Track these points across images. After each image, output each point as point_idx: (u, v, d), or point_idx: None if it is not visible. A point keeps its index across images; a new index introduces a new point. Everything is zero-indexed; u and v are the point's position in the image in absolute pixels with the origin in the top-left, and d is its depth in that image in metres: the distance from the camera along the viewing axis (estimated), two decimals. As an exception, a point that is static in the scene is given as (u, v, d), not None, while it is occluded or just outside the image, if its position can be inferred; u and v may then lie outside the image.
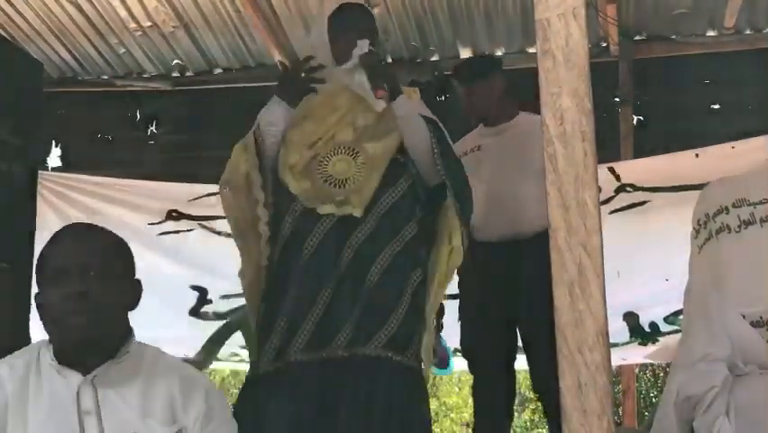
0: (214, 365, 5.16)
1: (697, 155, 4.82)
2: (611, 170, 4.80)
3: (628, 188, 4.88)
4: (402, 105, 2.80)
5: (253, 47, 5.46)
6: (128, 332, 2.02)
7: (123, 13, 5.16)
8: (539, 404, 5.75)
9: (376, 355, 2.58)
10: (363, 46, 2.81)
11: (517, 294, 3.41)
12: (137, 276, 2.05)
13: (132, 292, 2.04)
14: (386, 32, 5.26)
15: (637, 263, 4.52)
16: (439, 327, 3.74)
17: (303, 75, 2.85)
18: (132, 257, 2.06)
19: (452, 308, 3.74)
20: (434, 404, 9.12)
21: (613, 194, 4.83)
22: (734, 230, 3.60)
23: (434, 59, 5.49)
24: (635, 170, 4.87)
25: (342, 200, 2.73)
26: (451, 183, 2.74)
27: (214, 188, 5.34)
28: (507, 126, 3.68)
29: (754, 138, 4.85)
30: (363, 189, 2.74)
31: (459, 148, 3.76)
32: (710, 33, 5.16)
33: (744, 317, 3.35)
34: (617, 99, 5.28)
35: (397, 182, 2.77)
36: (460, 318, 3.69)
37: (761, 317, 3.32)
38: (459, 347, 3.85)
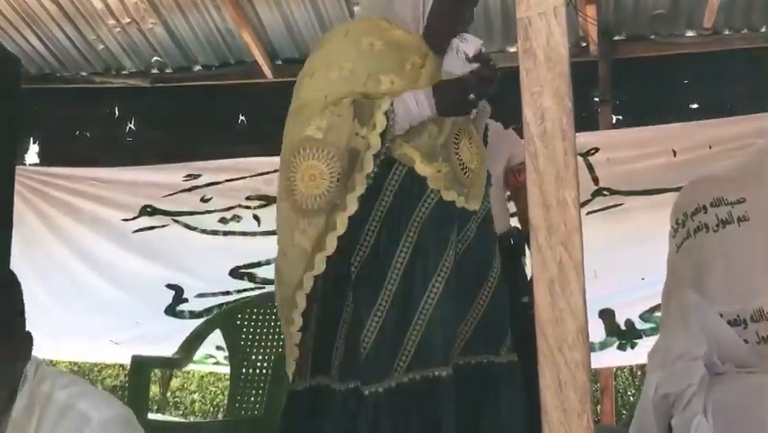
0: (190, 367, 5.14)
1: (675, 153, 4.85)
2: (590, 168, 4.83)
3: (605, 192, 4.93)
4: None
5: (233, 44, 5.45)
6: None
7: (100, 7, 5.13)
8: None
9: (508, 362, 2.51)
10: (473, 43, 2.50)
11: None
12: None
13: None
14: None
15: (614, 263, 4.57)
16: None
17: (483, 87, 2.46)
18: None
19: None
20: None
21: (590, 197, 4.87)
22: (712, 229, 3.62)
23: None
24: (612, 174, 4.90)
25: (467, 192, 2.54)
26: None
27: (189, 183, 5.42)
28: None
29: (732, 140, 4.90)
30: (481, 180, 2.59)
31: None
32: (689, 34, 5.20)
33: (722, 315, 3.38)
34: (597, 99, 5.30)
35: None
36: None
37: (738, 316, 3.35)
38: None
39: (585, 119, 5.10)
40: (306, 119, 2.38)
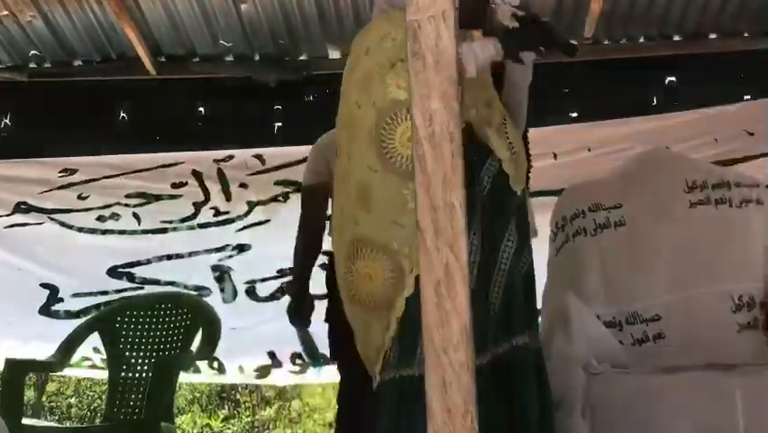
0: (66, 370, 4.98)
1: (555, 155, 4.96)
2: None
3: None
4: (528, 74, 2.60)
5: (115, 39, 5.30)
6: None
7: (-25, -2, 4.93)
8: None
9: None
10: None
11: None
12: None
13: None
14: (254, 30, 5.21)
15: None
16: (308, 323, 3.70)
17: None
18: None
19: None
20: (296, 405, 9.09)
21: None
22: (590, 233, 3.73)
23: (302, 58, 5.46)
24: None
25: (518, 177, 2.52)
26: None
27: (65, 180, 5.26)
28: None
29: (610, 143, 5.04)
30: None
31: (334, 140, 3.74)
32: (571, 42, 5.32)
33: (599, 317, 3.48)
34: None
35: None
36: (327, 319, 3.67)
37: (614, 318, 3.46)
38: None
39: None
40: (382, 84, 2.30)
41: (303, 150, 5.06)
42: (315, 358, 3.74)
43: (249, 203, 5.17)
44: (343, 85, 2.46)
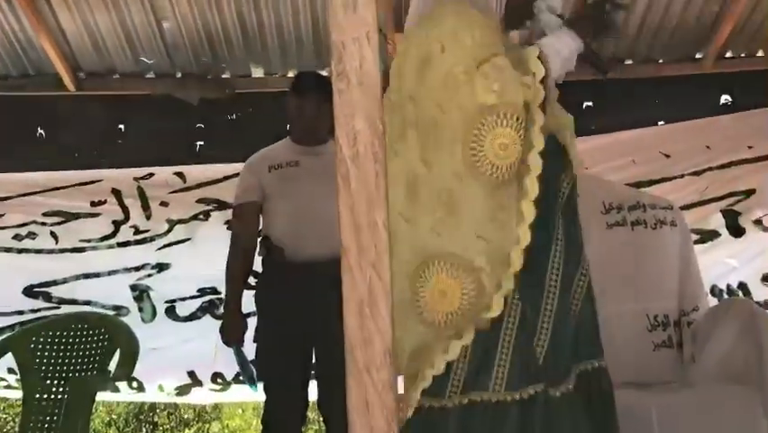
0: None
1: None
2: None
3: None
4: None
5: (33, 54, 5.20)
6: None
7: None
8: (321, 425, 5.77)
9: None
10: (554, 3, 2.31)
11: (318, 315, 3.41)
12: None
13: None
14: (176, 47, 5.16)
15: None
16: (242, 343, 3.68)
17: None
18: None
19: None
20: (216, 427, 8.96)
21: None
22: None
23: (225, 76, 5.43)
24: None
25: None
26: None
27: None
28: (324, 149, 3.67)
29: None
30: None
31: (268, 158, 3.73)
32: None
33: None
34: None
35: None
36: (257, 338, 3.64)
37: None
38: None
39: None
40: (470, 87, 2.09)
41: (224, 168, 5.04)
42: (252, 379, 3.71)
43: (169, 221, 5.10)
44: (409, 83, 2.19)
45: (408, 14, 2.35)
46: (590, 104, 5.39)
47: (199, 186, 5.13)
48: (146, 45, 5.14)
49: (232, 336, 3.64)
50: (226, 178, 4.97)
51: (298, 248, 3.54)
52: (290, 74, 5.42)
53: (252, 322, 3.68)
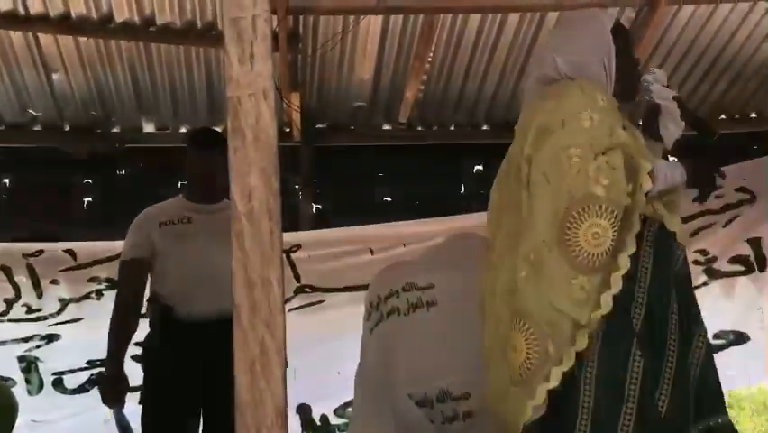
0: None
1: (372, 251, 5.04)
2: (292, 266, 4.91)
3: (307, 289, 5.01)
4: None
5: None
6: None
7: None
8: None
9: None
10: (662, 75, 2.58)
11: (207, 376, 3.33)
12: None
13: None
14: (65, 99, 5.06)
15: (312, 359, 4.61)
16: (123, 404, 3.55)
17: None
18: None
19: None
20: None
21: (292, 294, 4.92)
22: (403, 313, 3.79)
23: (115, 130, 5.34)
24: (313, 271, 5.00)
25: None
26: None
27: None
28: (218, 207, 3.60)
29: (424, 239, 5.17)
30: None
31: (158, 214, 3.65)
32: (386, 127, 5.47)
33: (410, 396, 3.51)
34: (298, 186, 5.42)
35: None
36: (142, 400, 3.53)
37: (426, 395, 3.51)
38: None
39: (285, 204, 5.18)
40: (583, 173, 2.31)
41: (116, 245, 4.87)
42: None
43: (61, 300, 4.95)
44: (528, 146, 2.48)
45: (545, 64, 2.56)
46: (481, 168, 5.51)
47: (91, 264, 4.98)
48: (34, 96, 5.02)
49: (112, 396, 3.51)
50: (118, 255, 4.87)
51: (188, 307, 3.46)
52: (182, 129, 5.38)
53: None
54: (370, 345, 3.92)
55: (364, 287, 4.48)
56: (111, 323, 3.57)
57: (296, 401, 4.78)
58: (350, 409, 4.43)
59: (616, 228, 2.29)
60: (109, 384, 3.53)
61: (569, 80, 2.48)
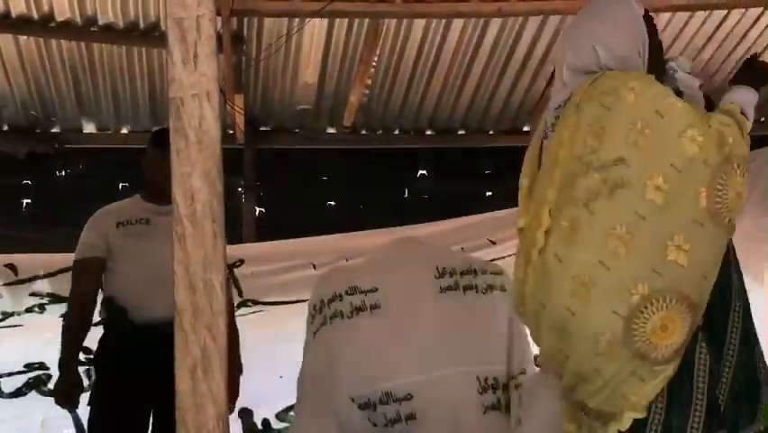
0: None
1: (314, 266, 5.04)
2: (235, 281, 4.89)
3: (249, 303, 5.00)
4: None
5: None
6: None
7: None
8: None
9: None
10: (686, 62, 2.52)
11: (157, 379, 3.30)
12: None
13: None
14: (4, 99, 4.97)
15: (254, 362, 4.58)
16: (77, 404, 3.50)
17: None
18: None
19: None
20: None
21: (235, 308, 4.91)
22: (346, 316, 3.78)
23: (55, 130, 5.25)
24: (256, 286, 4.98)
25: None
26: None
27: None
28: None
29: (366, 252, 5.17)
30: None
31: (116, 214, 3.60)
32: (330, 130, 5.47)
33: (353, 399, 3.51)
34: (241, 189, 5.39)
35: None
36: (91, 402, 3.48)
37: (369, 399, 3.51)
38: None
39: (228, 207, 5.14)
40: (710, 143, 2.27)
41: (56, 258, 4.81)
42: None
43: (4, 313, 4.86)
44: (617, 146, 2.30)
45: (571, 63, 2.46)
46: (425, 172, 5.54)
47: (32, 279, 4.89)
48: (-30, 96, 4.93)
49: (67, 397, 3.47)
50: (60, 271, 4.78)
51: (142, 309, 3.42)
52: (123, 130, 5.31)
53: None
54: (313, 348, 3.91)
55: (307, 301, 4.51)
56: (64, 324, 3.54)
57: (237, 405, 4.75)
58: (292, 414, 4.41)
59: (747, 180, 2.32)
60: (64, 386, 3.48)
61: (620, 73, 2.38)
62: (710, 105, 2.48)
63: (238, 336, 3.98)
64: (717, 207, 2.28)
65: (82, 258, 3.57)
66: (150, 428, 3.49)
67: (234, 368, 3.69)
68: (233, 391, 3.59)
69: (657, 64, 2.47)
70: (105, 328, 3.55)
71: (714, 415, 2.34)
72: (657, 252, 2.28)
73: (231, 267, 4.82)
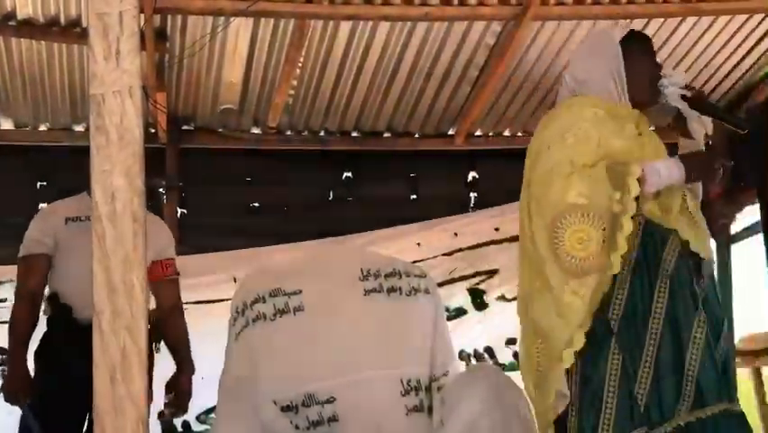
0: None
1: (235, 279, 4.99)
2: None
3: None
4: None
5: None
6: None
7: None
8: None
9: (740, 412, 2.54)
10: (679, 76, 2.64)
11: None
12: None
13: None
14: None
15: (174, 364, 4.52)
16: (27, 399, 3.43)
17: None
18: None
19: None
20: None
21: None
22: (269, 318, 3.76)
23: (-33, 127, 5.12)
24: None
25: (699, 240, 2.63)
26: None
27: None
28: None
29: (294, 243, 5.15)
30: (705, 230, 2.65)
31: (65, 210, 3.57)
32: (255, 131, 5.42)
33: (275, 403, 3.49)
34: (162, 189, 5.31)
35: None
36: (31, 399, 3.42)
37: (291, 402, 3.49)
38: None
39: (150, 207, 5.05)
40: (563, 185, 2.51)
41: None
42: None
43: None
44: (527, 172, 2.67)
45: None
46: (350, 175, 5.53)
47: None
48: None
49: (16, 393, 3.41)
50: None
51: (87, 309, 3.36)
52: (42, 127, 5.19)
53: None
54: (235, 351, 3.87)
55: (229, 300, 4.46)
56: (11, 319, 3.51)
57: (156, 407, 4.68)
58: (212, 416, 4.36)
59: (599, 233, 2.49)
60: (13, 382, 3.44)
61: (570, 98, 2.70)
62: (710, 108, 2.69)
63: (187, 334, 3.95)
64: (555, 246, 2.53)
65: (29, 254, 3.56)
66: (85, 427, 3.45)
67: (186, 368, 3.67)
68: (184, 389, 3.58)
69: (648, 82, 2.66)
70: (48, 325, 3.50)
71: (630, 413, 2.45)
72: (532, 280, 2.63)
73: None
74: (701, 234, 2.70)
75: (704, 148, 2.67)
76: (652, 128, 2.74)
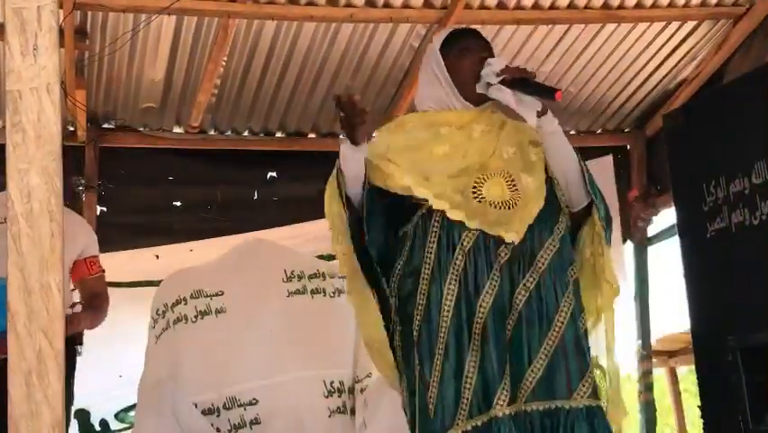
0: None
1: (158, 256, 4.92)
2: None
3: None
4: (552, 119, 2.57)
5: None
6: None
7: None
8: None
9: (584, 406, 2.46)
10: (496, 63, 2.59)
11: None
12: None
13: None
14: None
15: (92, 362, 4.43)
16: None
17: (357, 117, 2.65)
18: None
19: None
20: None
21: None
22: (191, 320, 3.72)
23: None
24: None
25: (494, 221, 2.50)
26: (601, 207, 2.57)
27: None
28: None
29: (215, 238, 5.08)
30: (524, 214, 2.52)
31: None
32: (177, 130, 5.35)
33: (196, 405, 3.45)
34: (82, 188, 5.20)
35: (557, 221, 2.54)
36: None
37: (213, 405, 3.47)
38: None
39: (68, 206, 4.95)
40: None
41: None
42: None
43: None
44: None
45: None
46: (274, 174, 5.50)
47: None
48: None
49: None
50: None
51: None
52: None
53: None
54: (156, 353, 3.81)
55: (152, 283, 4.37)
56: None
57: (74, 406, 4.60)
58: (132, 414, 4.30)
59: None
60: None
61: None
62: (530, 85, 2.57)
63: (104, 303, 3.82)
64: None
65: None
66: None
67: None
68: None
69: (471, 82, 2.63)
70: None
71: (423, 418, 2.47)
72: None
73: None
74: (512, 218, 2.61)
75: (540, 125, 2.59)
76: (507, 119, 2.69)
